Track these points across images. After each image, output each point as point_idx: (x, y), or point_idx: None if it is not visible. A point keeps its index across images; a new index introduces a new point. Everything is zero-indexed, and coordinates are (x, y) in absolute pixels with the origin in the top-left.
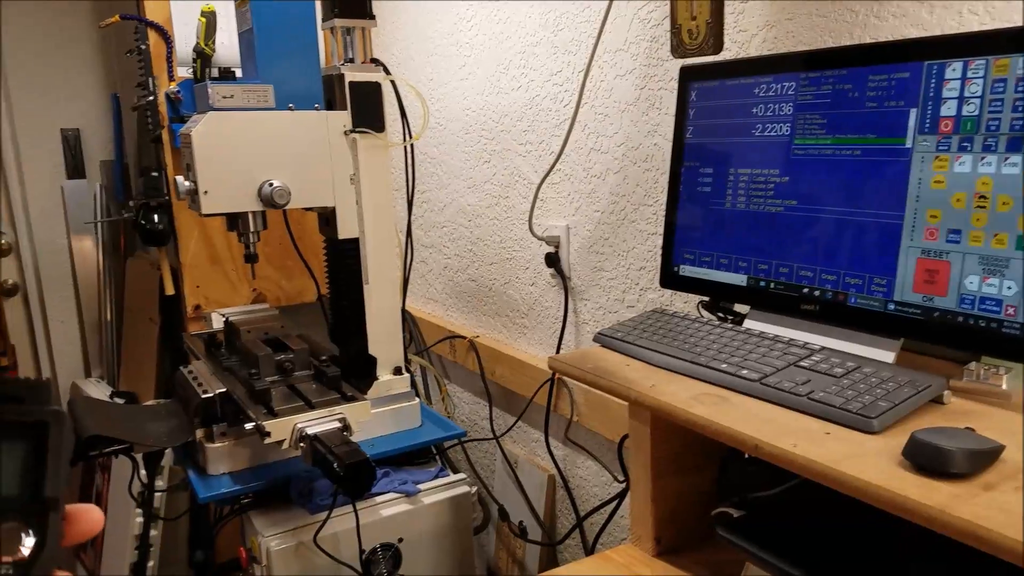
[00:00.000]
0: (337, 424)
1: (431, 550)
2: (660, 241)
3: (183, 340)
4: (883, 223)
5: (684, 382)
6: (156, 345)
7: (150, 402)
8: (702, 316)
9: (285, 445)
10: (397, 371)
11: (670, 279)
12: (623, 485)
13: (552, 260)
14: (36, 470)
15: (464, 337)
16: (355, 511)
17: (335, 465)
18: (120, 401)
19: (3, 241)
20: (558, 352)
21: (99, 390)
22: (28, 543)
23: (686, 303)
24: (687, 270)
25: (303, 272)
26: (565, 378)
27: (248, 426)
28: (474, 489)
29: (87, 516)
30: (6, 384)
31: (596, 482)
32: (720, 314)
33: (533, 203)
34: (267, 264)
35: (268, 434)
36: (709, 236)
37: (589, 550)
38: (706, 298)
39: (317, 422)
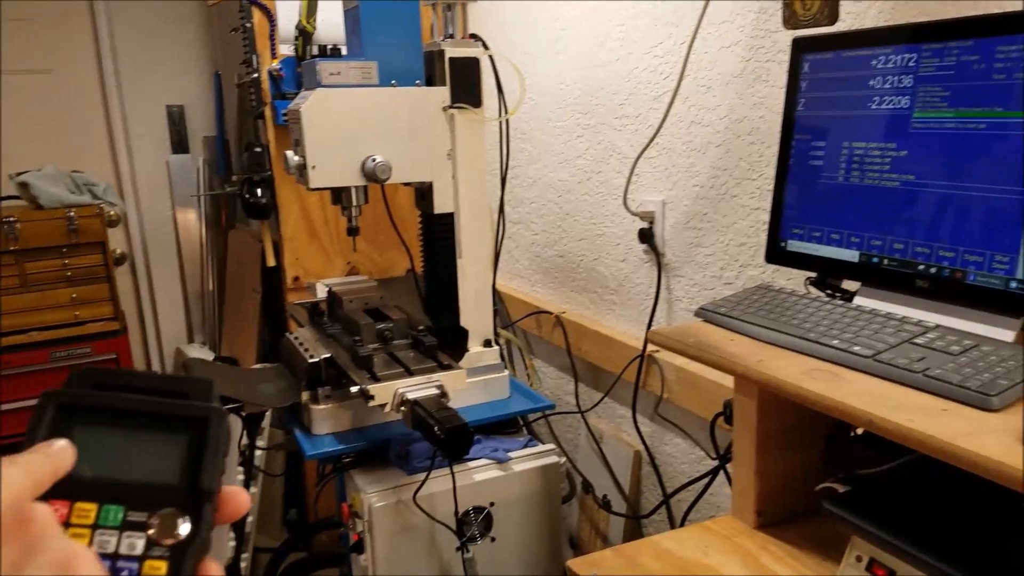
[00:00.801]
0: (435, 391)
1: (520, 516)
2: (764, 216)
3: (287, 309)
4: (1009, 199)
5: (792, 357)
6: (258, 313)
7: (257, 366)
8: (809, 292)
9: (387, 409)
10: (487, 343)
11: (776, 254)
12: (715, 463)
13: (645, 236)
14: (195, 462)
15: (550, 313)
16: (452, 473)
17: (436, 429)
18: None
19: (113, 212)
20: (649, 329)
21: (202, 354)
22: (183, 529)
23: (789, 280)
24: (795, 245)
25: (394, 246)
26: (656, 355)
27: (353, 389)
28: (563, 460)
29: (236, 499)
30: (172, 381)
31: (684, 459)
32: (828, 291)
33: (629, 178)
34: (360, 238)
35: (372, 397)
36: (819, 211)
37: (679, 526)
38: (813, 274)
39: (417, 388)
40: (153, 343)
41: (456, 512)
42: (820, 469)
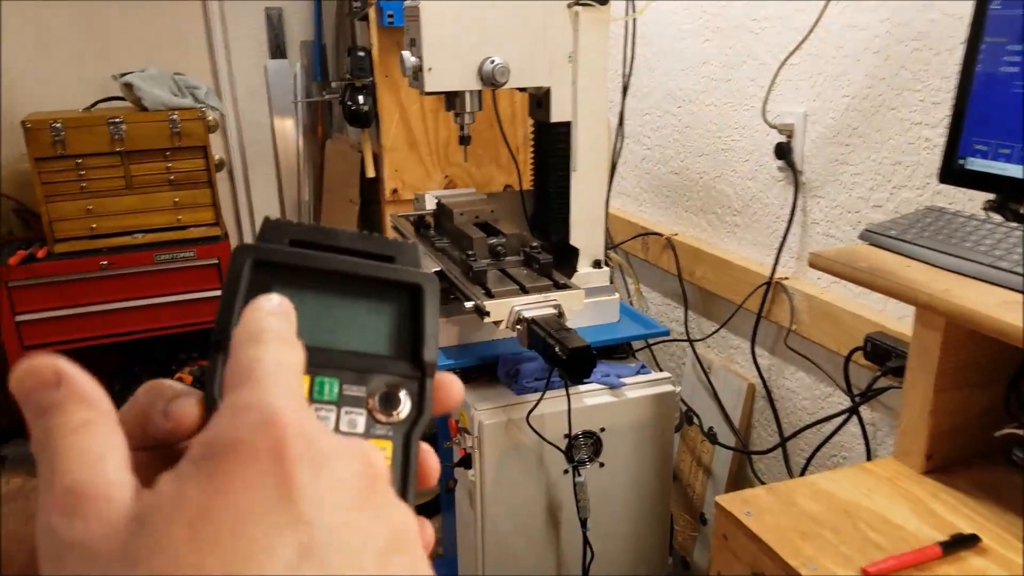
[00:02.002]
0: (553, 310)
1: (631, 443)
2: (927, 132)
3: (389, 221)
4: None
5: (979, 287)
6: (355, 225)
7: None
8: (991, 217)
9: (503, 326)
10: (596, 264)
11: (953, 174)
12: (844, 402)
13: (782, 151)
14: (413, 332)
15: (660, 235)
16: (567, 396)
17: (556, 349)
18: None
19: (213, 117)
20: (780, 255)
21: None
22: (404, 407)
23: (951, 203)
24: (976, 163)
25: (492, 160)
26: (786, 282)
27: (467, 305)
28: (678, 389)
29: (451, 387)
30: (378, 242)
31: (806, 395)
32: (1008, 216)
33: (770, 86)
34: (457, 151)
35: (487, 314)
36: (1009, 125)
37: (800, 466)
38: (991, 196)
39: (534, 306)
40: None
41: (566, 436)
42: (997, 412)
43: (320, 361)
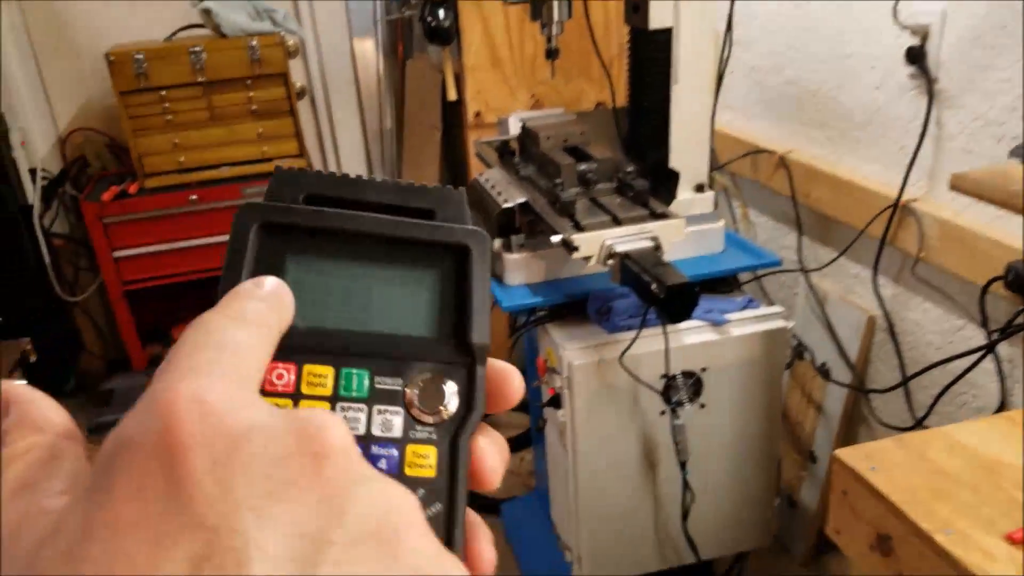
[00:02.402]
0: (649, 243)
1: (736, 384)
2: None
3: (472, 147)
4: None
5: None
6: (438, 152)
7: None
8: None
9: (592, 262)
10: (699, 188)
11: None
12: (979, 337)
13: (914, 56)
14: (456, 308)
15: (772, 153)
16: (665, 335)
17: (653, 287)
18: None
19: (292, 41)
20: (908, 174)
21: None
22: (451, 401)
23: None
24: None
25: (581, 74)
26: (914, 205)
27: (554, 239)
28: (790, 324)
29: (509, 379)
30: (414, 192)
31: (934, 329)
32: None
33: None
34: (544, 67)
35: (576, 249)
36: None
37: (923, 406)
38: None
39: (627, 239)
40: None
41: (663, 376)
42: None
43: (345, 347)
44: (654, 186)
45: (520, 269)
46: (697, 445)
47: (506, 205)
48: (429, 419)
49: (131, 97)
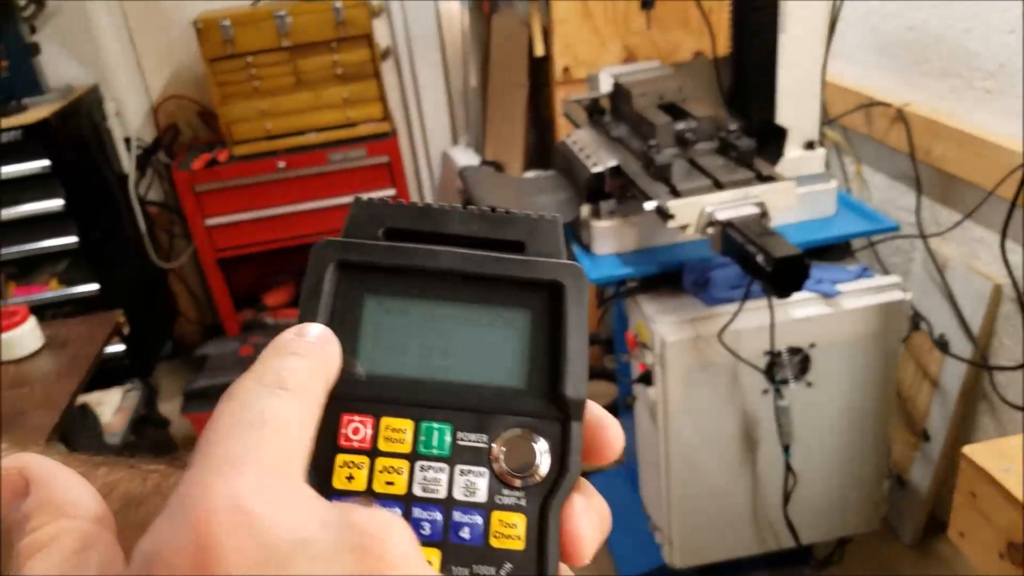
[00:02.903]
0: (755, 209)
1: (847, 360)
2: None
3: (559, 106)
4: None
5: None
6: (524, 111)
7: (530, 174)
8: None
9: (690, 231)
10: (809, 146)
11: None
12: None
13: None
14: (549, 355)
15: (889, 105)
16: (771, 309)
17: (759, 259)
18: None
19: (375, 2)
20: None
21: (469, 159)
22: (542, 461)
23: None
24: None
25: (679, 23)
26: None
27: (647, 206)
28: (908, 296)
29: (607, 433)
30: (502, 222)
31: None
32: None
33: None
34: (638, 16)
35: (671, 216)
36: None
37: None
38: None
39: (730, 205)
40: (420, 145)
41: (770, 351)
42: None
43: (426, 398)
44: (760, 145)
45: (610, 237)
46: (802, 425)
47: (596, 169)
48: (517, 482)
49: (219, 64)
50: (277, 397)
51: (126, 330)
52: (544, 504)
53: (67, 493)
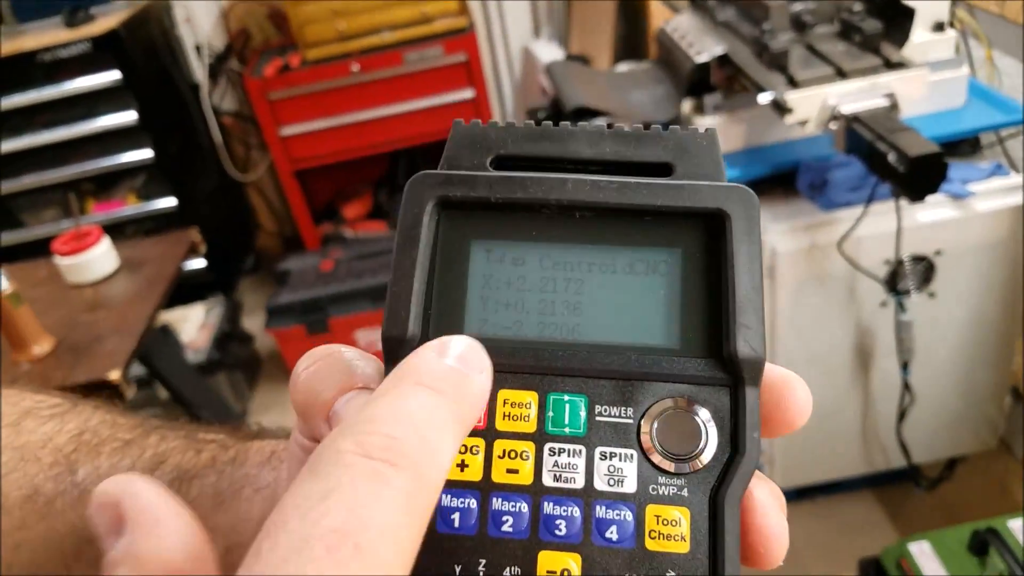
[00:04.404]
0: (883, 101)
1: (975, 268)
2: None
3: None
4: None
5: None
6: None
7: (623, 68)
8: None
9: (810, 127)
10: (938, 27)
11: None
12: None
13: None
14: (711, 304)
15: None
16: (898, 213)
17: (890, 158)
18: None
19: None
20: None
21: (552, 53)
22: (707, 442)
23: None
24: None
25: None
26: None
27: (761, 99)
28: None
29: (790, 393)
30: (644, 140)
31: None
32: None
33: None
34: None
35: (789, 111)
36: None
37: None
38: None
39: (856, 97)
40: (499, 40)
41: (896, 259)
42: None
43: (553, 365)
44: (886, 27)
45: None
46: (921, 339)
47: (699, 59)
48: (677, 467)
49: None
50: (390, 493)
51: (202, 249)
52: (715, 494)
53: (162, 539)
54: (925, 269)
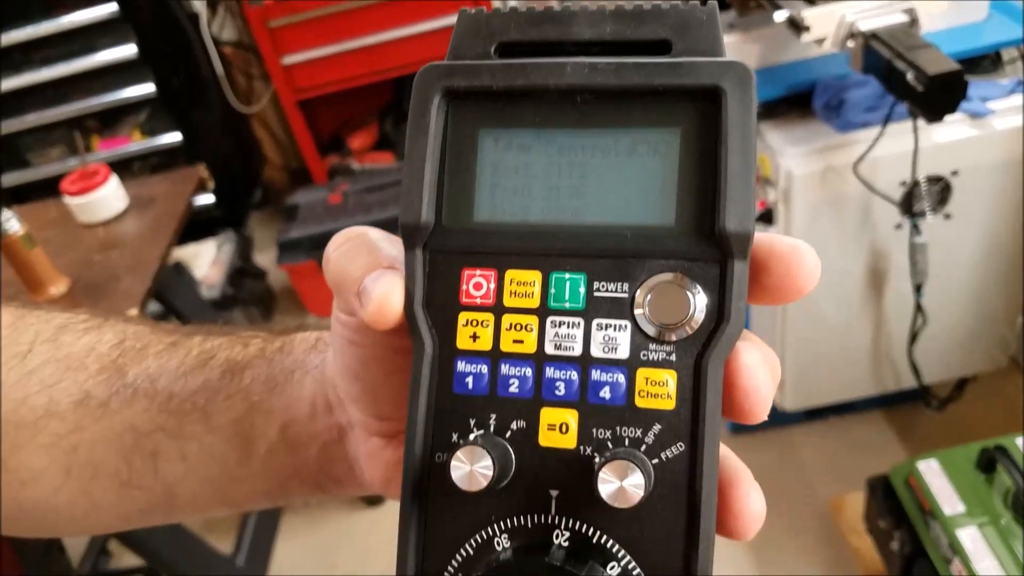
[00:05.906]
0: (903, 17)
1: (992, 189)
2: None
3: None
4: None
5: None
6: None
7: None
8: None
9: (827, 45)
10: None
11: None
12: None
13: None
14: (703, 182)
15: None
16: (915, 134)
17: (909, 76)
18: None
19: None
20: None
21: None
22: (695, 311)
23: None
24: None
25: None
26: None
27: (777, 16)
28: None
29: (798, 261)
30: (643, 18)
31: None
32: None
33: None
34: None
35: (805, 29)
36: None
37: None
38: None
39: (874, 13)
40: None
41: (912, 180)
42: None
43: (555, 246)
44: None
45: (728, 55)
46: (935, 261)
47: None
48: (666, 335)
49: None
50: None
51: (210, 184)
52: (699, 358)
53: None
54: (941, 190)
